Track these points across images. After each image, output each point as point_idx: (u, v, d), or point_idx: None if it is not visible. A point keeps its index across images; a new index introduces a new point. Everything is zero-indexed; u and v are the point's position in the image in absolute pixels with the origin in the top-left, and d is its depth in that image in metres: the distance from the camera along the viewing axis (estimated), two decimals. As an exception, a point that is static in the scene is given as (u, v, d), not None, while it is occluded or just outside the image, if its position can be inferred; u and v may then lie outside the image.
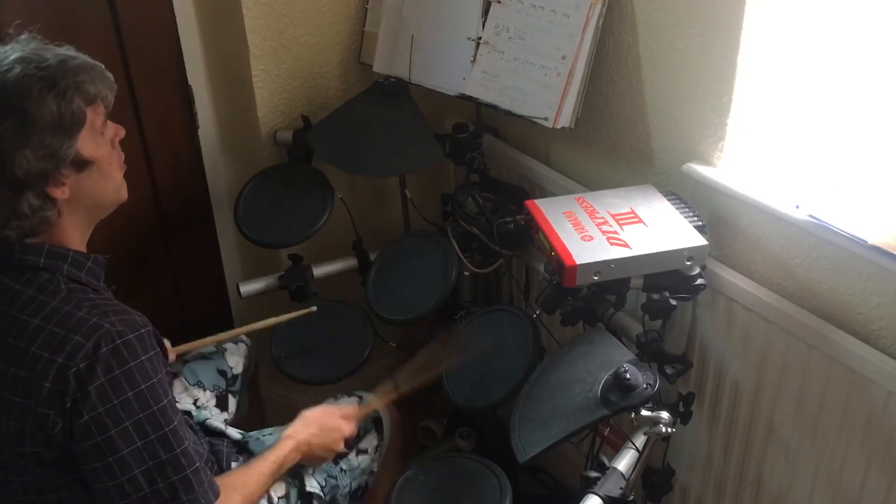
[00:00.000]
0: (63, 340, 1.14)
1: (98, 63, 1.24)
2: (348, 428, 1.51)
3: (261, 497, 1.38)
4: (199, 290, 2.23)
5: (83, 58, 1.22)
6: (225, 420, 1.68)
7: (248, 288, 1.95)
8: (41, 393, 1.13)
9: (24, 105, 1.14)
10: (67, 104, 1.16)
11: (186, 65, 1.98)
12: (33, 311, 1.17)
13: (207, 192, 2.14)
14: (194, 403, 1.64)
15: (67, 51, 1.22)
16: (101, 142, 1.23)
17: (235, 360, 1.78)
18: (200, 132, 2.07)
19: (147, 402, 1.16)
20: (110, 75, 1.25)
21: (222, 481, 1.29)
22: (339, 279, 2.01)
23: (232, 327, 1.91)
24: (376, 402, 1.59)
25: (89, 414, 1.13)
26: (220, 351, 1.77)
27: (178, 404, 1.53)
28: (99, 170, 1.23)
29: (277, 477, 1.40)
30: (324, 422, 1.48)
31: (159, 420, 1.17)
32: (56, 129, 1.16)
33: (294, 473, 1.52)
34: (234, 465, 1.51)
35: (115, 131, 1.29)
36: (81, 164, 1.20)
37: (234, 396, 1.74)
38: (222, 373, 1.73)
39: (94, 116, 1.21)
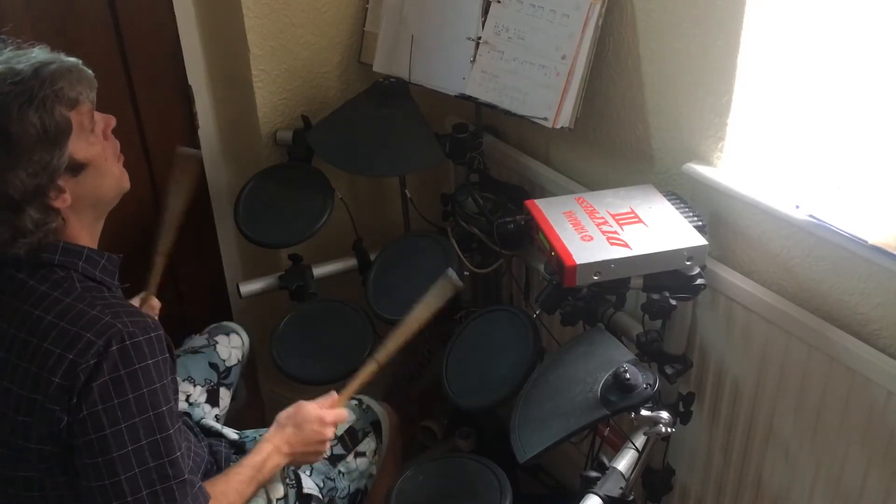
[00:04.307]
0: (75, 337, 1.13)
1: (75, 62, 1.20)
2: (330, 416, 1.45)
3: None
4: (199, 290, 2.23)
5: (58, 61, 1.18)
6: (216, 416, 1.68)
7: (248, 288, 1.95)
8: (49, 388, 1.13)
9: (6, 126, 1.11)
10: (50, 115, 1.13)
11: (186, 65, 1.98)
12: (47, 307, 1.17)
13: (207, 192, 2.14)
14: (186, 400, 1.64)
15: (41, 53, 1.18)
16: (92, 140, 1.21)
17: (228, 352, 1.78)
18: (200, 132, 2.07)
19: (146, 406, 1.15)
20: (89, 72, 1.21)
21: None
22: (339, 279, 2.02)
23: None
24: (357, 382, 1.53)
25: (88, 410, 1.12)
26: (211, 344, 1.77)
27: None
28: (96, 168, 1.21)
29: (260, 482, 1.37)
30: (298, 418, 1.43)
31: (154, 426, 1.16)
32: (43, 142, 1.13)
33: (291, 474, 1.52)
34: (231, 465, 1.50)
35: (106, 122, 1.25)
36: (77, 169, 1.18)
37: (228, 389, 1.74)
38: (214, 366, 1.73)
39: (80, 118, 1.18)
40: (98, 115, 1.24)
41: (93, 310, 1.16)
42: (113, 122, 1.27)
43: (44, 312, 1.16)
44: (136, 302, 1.60)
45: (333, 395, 1.50)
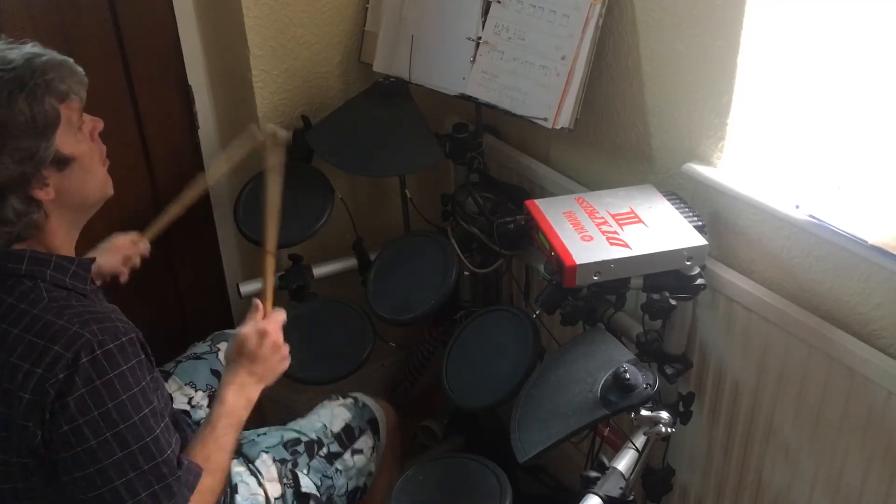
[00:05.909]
0: (43, 351, 1.12)
1: (66, 58, 1.20)
2: (267, 325, 1.43)
3: (230, 456, 1.33)
4: (199, 290, 2.23)
5: (50, 54, 1.18)
6: None
7: (248, 288, 1.95)
8: (21, 404, 1.11)
9: None
10: (39, 104, 1.13)
11: (186, 65, 1.98)
12: (13, 320, 1.15)
13: (207, 193, 2.14)
14: (189, 402, 1.64)
15: (34, 48, 1.18)
16: (80, 137, 1.20)
17: None
18: (200, 132, 2.07)
19: (128, 412, 1.14)
20: (80, 70, 1.21)
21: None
22: (339, 279, 2.02)
23: (233, 327, 1.92)
24: (269, 281, 1.54)
25: (69, 425, 1.11)
26: (213, 351, 1.77)
27: (174, 404, 1.53)
28: (81, 166, 1.20)
29: (238, 426, 1.35)
30: (243, 346, 1.41)
31: (140, 430, 1.15)
32: (31, 131, 1.13)
33: (289, 474, 1.52)
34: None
35: (94, 124, 1.25)
36: (63, 163, 1.17)
37: None
38: (216, 372, 1.73)
39: (69, 113, 1.17)
40: (87, 116, 1.23)
41: (60, 320, 1.14)
42: (100, 125, 1.26)
43: (10, 326, 1.15)
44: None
45: (258, 304, 1.48)
